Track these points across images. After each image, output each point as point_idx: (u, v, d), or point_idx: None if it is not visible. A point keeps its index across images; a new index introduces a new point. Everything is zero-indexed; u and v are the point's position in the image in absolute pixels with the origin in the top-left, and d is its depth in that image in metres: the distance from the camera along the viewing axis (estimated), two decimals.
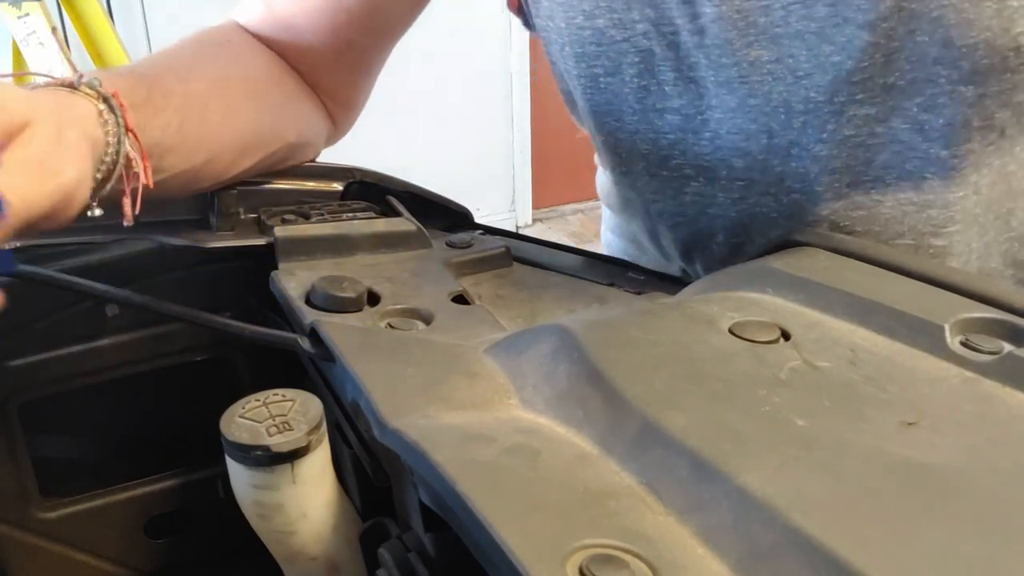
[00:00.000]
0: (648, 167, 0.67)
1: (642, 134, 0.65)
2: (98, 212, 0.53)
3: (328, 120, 0.77)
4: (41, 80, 0.54)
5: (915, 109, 0.57)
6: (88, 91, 0.53)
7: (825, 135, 0.58)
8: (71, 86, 0.53)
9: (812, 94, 0.57)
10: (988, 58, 0.53)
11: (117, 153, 0.53)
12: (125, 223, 0.55)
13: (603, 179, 0.82)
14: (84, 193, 0.50)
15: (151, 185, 0.55)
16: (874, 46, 0.54)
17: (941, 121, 0.56)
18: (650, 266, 0.70)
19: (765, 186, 0.63)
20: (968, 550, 0.29)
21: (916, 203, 0.60)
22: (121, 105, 0.53)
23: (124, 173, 0.54)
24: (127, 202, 0.55)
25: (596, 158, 0.78)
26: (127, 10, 2.76)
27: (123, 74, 0.58)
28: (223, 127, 0.63)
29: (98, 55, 2.40)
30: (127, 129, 0.53)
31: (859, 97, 0.57)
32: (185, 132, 0.59)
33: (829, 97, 0.57)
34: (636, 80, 0.63)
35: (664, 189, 0.67)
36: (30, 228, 0.46)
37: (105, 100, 0.53)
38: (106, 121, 0.52)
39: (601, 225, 0.91)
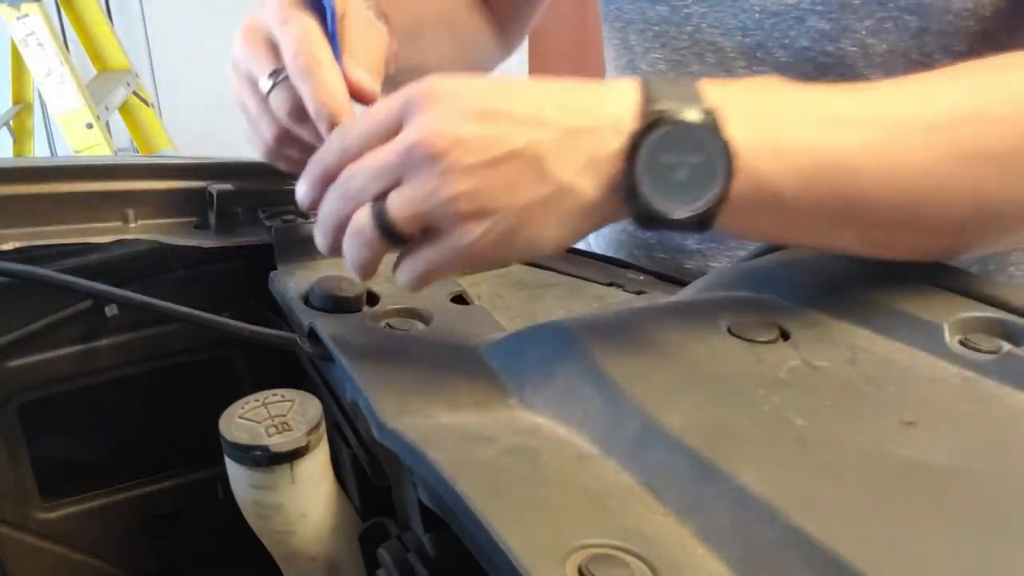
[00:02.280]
0: (632, 59, 0.74)
1: (635, 24, 0.73)
2: None
3: (502, 46, 0.88)
4: None
5: (863, 32, 0.62)
6: None
7: (787, 40, 0.65)
8: None
9: None
10: None
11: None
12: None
13: None
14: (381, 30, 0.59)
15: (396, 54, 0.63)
16: None
17: (884, 47, 0.62)
18: None
19: None
20: (967, 549, 0.29)
21: None
22: None
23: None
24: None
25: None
26: (126, 11, 2.76)
27: None
28: (440, 45, 0.75)
29: (97, 56, 2.41)
30: (382, 14, 0.61)
31: (819, 9, 0.63)
32: (415, 40, 0.69)
33: (796, 3, 0.64)
34: None
35: None
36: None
37: None
38: (369, 5, 0.59)
39: None
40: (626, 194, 0.40)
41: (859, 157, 0.42)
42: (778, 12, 0.65)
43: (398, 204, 0.41)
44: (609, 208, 0.42)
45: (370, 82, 0.52)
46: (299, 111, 0.52)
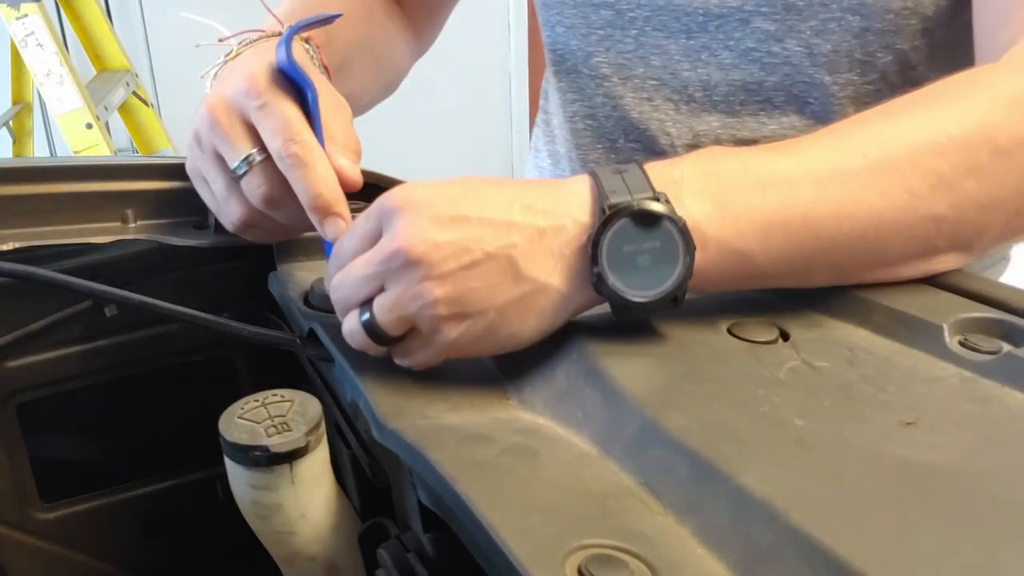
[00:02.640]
0: (575, 64, 0.74)
1: (576, 28, 0.73)
2: None
3: (415, 51, 0.87)
4: (254, 35, 0.61)
5: (808, 32, 0.63)
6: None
7: (732, 42, 0.66)
8: (279, 35, 0.59)
9: None
10: None
11: None
12: None
13: (545, 98, 0.86)
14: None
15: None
16: None
17: (828, 47, 0.63)
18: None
19: (670, 91, 0.70)
20: (966, 549, 0.29)
21: (797, 127, 0.66)
22: (318, 47, 0.62)
23: None
24: None
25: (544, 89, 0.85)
26: (125, 11, 2.76)
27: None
28: (365, 71, 0.74)
29: (96, 56, 2.40)
30: (323, 66, 0.62)
31: (764, 10, 0.64)
32: (343, 72, 0.68)
33: (740, 5, 0.64)
34: None
35: (583, 88, 0.75)
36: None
37: (306, 41, 0.61)
38: (312, 58, 0.60)
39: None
40: (596, 286, 0.42)
41: (804, 209, 0.44)
42: (722, 14, 0.66)
43: (383, 309, 0.43)
44: (583, 299, 0.44)
45: (354, 170, 0.52)
46: (274, 199, 0.52)
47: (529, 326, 0.43)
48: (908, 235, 0.45)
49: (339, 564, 0.51)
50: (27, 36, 2.07)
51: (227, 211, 0.55)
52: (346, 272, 0.45)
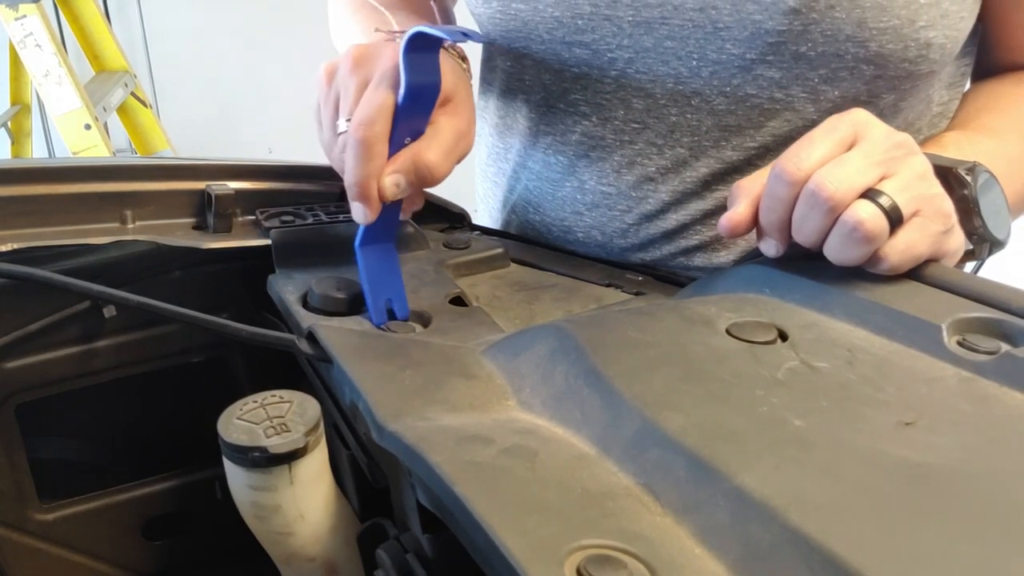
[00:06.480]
0: (547, 97, 0.71)
1: (547, 63, 0.69)
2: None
3: None
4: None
5: (816, 79, 0.62)
6: (452, 51, 0.63)
7: (728, 89, 0.63)
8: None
9: (728, 46, 0.62)
10: (893, 43, 0.59)
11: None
12: None
13: (492, 113, 0.82)
14: (474, 134, 0.60)
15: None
16: (795, 12, 0.59)
17: (836, 93, 0.62)
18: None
19: (654, 135, 0.67)
20: (965, 549, 0.29)
21: None
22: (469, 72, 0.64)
23: None
24: None
25: (480, 92, 0.81)
26: (124, 12, 2.76)
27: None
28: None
29: (95, 57, 2.41)
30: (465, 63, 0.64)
31: (770, 58, 0.61)
32: None
33: (742, 52, 0.61)
34: (550, 10, 0.66)
35: (556, 123, 0.71)
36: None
37: (463, 59, 0.64)
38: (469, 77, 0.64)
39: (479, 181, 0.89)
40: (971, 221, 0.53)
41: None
42: (720, 61, 0.62)
43: (897, 190, 0.47)
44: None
45: (389, 190, 0.54)
46: None
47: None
48: None
49: (338, 565, 0.51)
50: (25, 37, 2.07)
51: (332, 158, 0.58)
52: (841, 165, 0.48)
